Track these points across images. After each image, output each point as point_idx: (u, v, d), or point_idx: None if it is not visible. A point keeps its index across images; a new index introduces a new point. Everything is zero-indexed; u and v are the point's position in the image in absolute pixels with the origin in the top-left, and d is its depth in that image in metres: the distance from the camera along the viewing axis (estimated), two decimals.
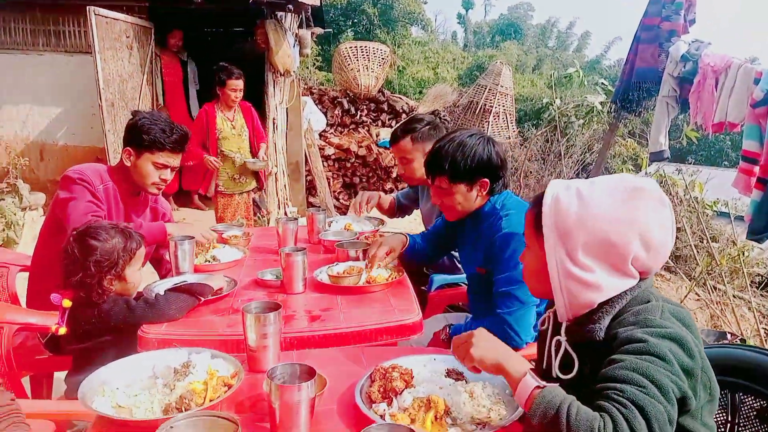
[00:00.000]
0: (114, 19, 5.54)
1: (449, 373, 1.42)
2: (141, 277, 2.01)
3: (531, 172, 8.54)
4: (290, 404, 1.17)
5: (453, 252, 2.74)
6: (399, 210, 3.18)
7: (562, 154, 8.28)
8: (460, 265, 2.75)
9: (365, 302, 2.03)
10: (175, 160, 2.48)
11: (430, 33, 26.49)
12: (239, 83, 4.61)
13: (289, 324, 1.84)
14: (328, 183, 7.51)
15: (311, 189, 7.44)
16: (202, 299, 1.94)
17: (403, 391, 1.31)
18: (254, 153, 4.87)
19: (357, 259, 2.39)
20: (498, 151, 2.07)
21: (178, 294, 1.90)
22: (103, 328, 1.83)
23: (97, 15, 5.24)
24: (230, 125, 4.76)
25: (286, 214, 6.30)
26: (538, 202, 1.30)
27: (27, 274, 2.55)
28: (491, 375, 1.38)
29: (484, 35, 29.50)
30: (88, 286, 1.83)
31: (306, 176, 7.32)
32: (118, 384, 1.43)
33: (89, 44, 5.45)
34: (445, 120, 2.97)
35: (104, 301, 1.84)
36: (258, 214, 6.12)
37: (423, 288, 2.80)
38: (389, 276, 2.22)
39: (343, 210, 7.33)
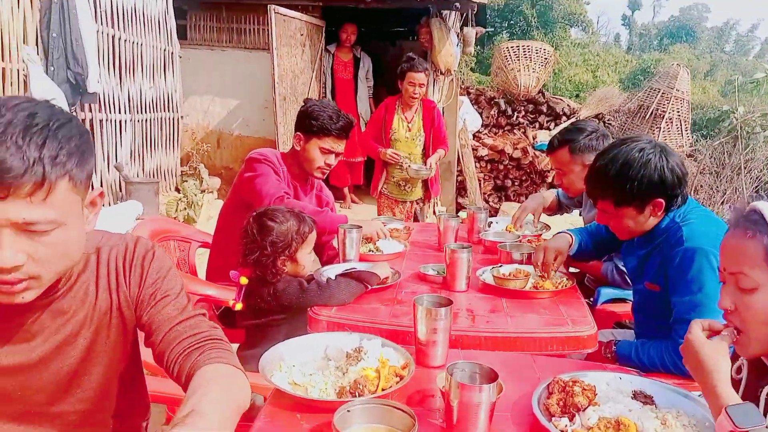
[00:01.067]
0: (291, 17, 5.88)
1: (636, 396, 1.30)
2: (311, 260, 2.09)
3: (702, 187, 7.79)
4: (470, 405, 1.13)
5: (622, 265, 2.54)
6: (560, 209, 3.04)
7: (742, 168, 7.45)
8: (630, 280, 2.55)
9: (532, 308, 1.94)
10: (339, 146, 2.61)
11: (590, 35, 25.29)
12: (420, 77, 4.03)
13: (453, 322, 1.79)
14: (479, 184, 7.41)
15: (461, 189, 7.39)
16: (370, 287, 1.97)
17: (586, 408, 1.21)
18: (427, 157, 4.27)
19: (521, 262, 2.30)
20: (675, 164, 1.76)
21: (348, 280, 1.95)
22: (277, 307, 1.92)
23: (277, 13, 5.59)
24: (406, 127, 4.24)
25: (434, 213, 6.31)
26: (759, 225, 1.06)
27: (204, 250, 2.77)
28: (684, 403, 1.24)
29: (651, 38, 27.60)
30: (264, 265, 1.93)
31: (456, 176, 7.29)
32: (294, 361, 1.47)
33: (266, 41, 5.84)
34: (610, 125, 2.78)
35: (278, 281, 1.93)
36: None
37: (587, 301, 2.64)
38: (559, 283, 2.11)
39: (492, 213, 7.20)
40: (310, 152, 2.58)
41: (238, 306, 1.93)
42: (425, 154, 4.27)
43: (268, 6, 5.56)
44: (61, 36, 3.56)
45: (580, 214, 2.93)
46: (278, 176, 2.52)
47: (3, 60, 3.35)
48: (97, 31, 4.11)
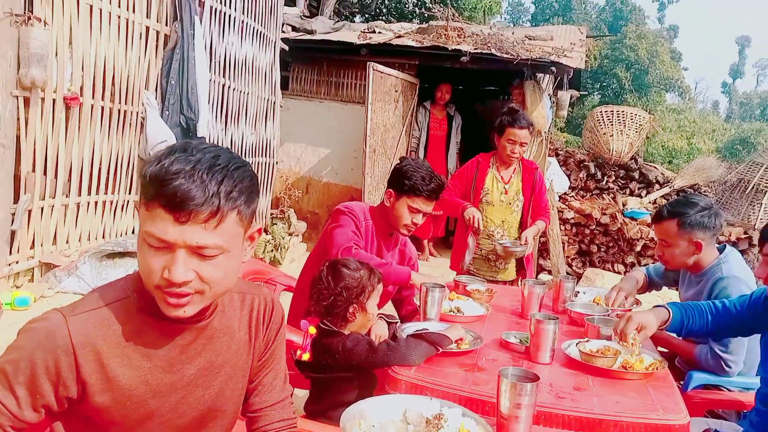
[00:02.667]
0: (387, 74, 6.10)
1: None
2: (377, 312, 2.10)
3: None
4: None
5: (719, 349, 2.38)
6: (649, 287, 2.90)
7: None
8: (727, 367, 2.38)
9: (620, 389, 1.86)
10: (428, 207, 2.64)
11: (687, 101, 24.54)
12: (523, 135, 3.44)
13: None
14: (563, 248, 7.23)
15: (543, 252, 7.23)
16: (440, 350, 1.96)
17: None
18: (524, 229, 3.59)
19: (609, 338, 2.22)
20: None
21: (418, 341, 1.94)
22: (345, 365, 1.93)
23: (375, 70, 5.82)
24: (501, 188, 3.60)
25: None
26: None
27: (287, 293, 2.86)
28: None
29: (753, 107, 26.41)
30: (335, 312, 1.96)
31: (540, 238, 7.15)
32: (374, 421, 1.49)
33: (362, 95, 6.07)
34: (706, 196, 2.66)
35: (347, 336, 1.95)
36: None
37: (677, 384, 2.50)
38: (650, 365, 2.01)
39: (575, 278, 6.98)
40: (399, 209, 2.62)
41: (305, 356, 1.93)
42: (522, 225, 3.63)
43: (368, 63, 5.80)
44: (178, 84, 3.87)
45: (679, 295, 2.79)
46: (357, 230, 2.57)
47: (127, 103, 3.67)
48: (210, 80, 4.43)
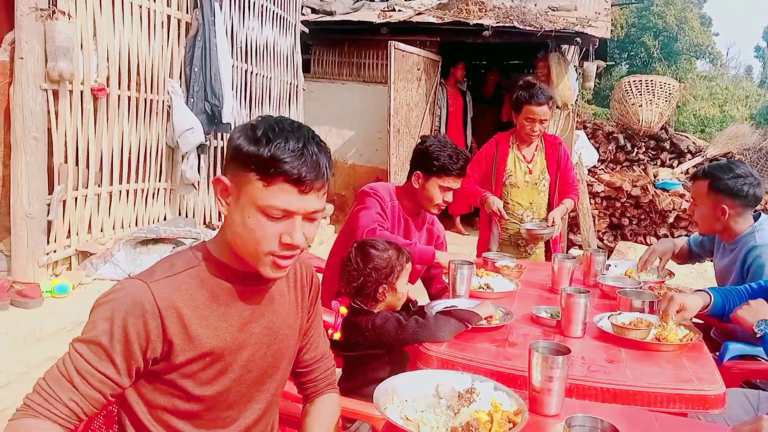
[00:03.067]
0: (409, 53, 6.05)
1: None
2: (408, 290, 2.11)
3: None
4: None
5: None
6: (690, 257, 2.86)
7: None
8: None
9: (653, 361, 1.84)
10: (458, 184, 2.62)
11: (719, 67, 23.84)
12: (541, 111, 3.19)
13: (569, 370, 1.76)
14: (594, 221, 7.14)
15: (573, 226, 7.15)
16: (470, 326, 1.96)
17: None
18: (551, 208, 3.37)
19: (642, 310, 2.19)
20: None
21: (447, 318, 1.94)
22: (375, 342, 1.94)
23: (396, 49, 5.78)
24: (525, 168, 3.38)
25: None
26: None
27: (317, 274, 2.88)
28: None
29: None
30: (365, 293, 1.98)
31: (569, 213, 7.06)
32: (407, 396, 1.50)
33: (384, 75, 6.04)
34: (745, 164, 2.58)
35: (377, 315, 1.96)
36: None
37: (713, 355, 2.46)
38: (684, 336, 1.99)
39: (606, 252, 6.89)
40: (430, 190, 2.59)
41: (336, 336, 1.95)
42: (550, 206, 3.40)
43: (389, 42, 5.75)
44: (202, 71, 3.90)
45: (713, 264, 2.75)
46: (383, 211, 2.56)
47: (152, 92, 3.71)
48: (233, 66, 4.45)
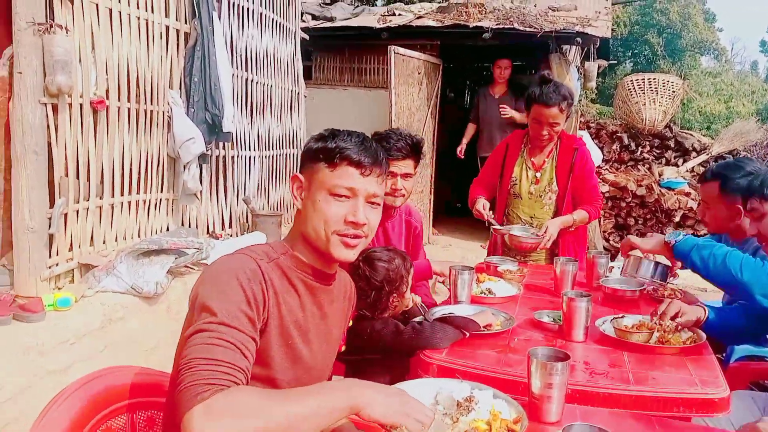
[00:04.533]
0: (409, 57, 6.05)
1: None
2: (410, 296, 2.10)
3: None
4: None
5: None
6: None
7: None
8: None
9: (656, 364, 1.82)
10: (398, 167, 2.33)
11: (723, 63, 23.73)
12: (552, 113, 2.87)
13: (570, 375, 1.74)
14: (599, 222, 7.10)
15: None
16: (468, 334, 1.94)
17: None
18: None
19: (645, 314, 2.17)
20: None
21: (444, 325, 1.93)
22: (372, 347, 1.94)
23: (396, 53, 5.77)
24: (532, 177, 3.07)
25: None
26: None
27: None
28: None
29: None
30: (379, 307, 1.97)
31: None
32: None
33: (385, 80, 6.03)
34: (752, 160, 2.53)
35: (377, 319, 1.96)
36: None
37: (718, 356, 2.43)
38: (687, 339, 1.96)
39: (612, 253, 6.85)
40: None
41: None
42: (559, 212, 3.06)
43: (389, 47, 5.75)
44: (201, 81, 3.90)
45: None
46: None
47: (152, 103, 3.72)
48: (233, 75, 4.46)
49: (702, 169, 6.98)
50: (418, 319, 2.06)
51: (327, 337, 1.45)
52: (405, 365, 2.00)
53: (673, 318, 2.00)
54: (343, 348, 1.95)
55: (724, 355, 2.41)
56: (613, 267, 2.85)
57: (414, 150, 2.38)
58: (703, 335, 2.01)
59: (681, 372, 1.76)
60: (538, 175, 3.06)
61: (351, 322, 1.95)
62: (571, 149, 3.04)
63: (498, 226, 3.05)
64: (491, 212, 3.06)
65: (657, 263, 2.09)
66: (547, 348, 1.53)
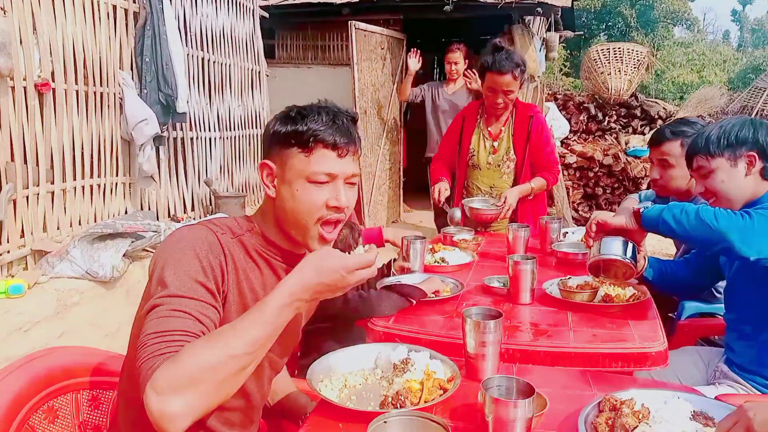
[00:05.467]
0: (371, 32, 5.99)
1: (695, 416, 1.20)
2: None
3: None
4: (505, 420, 1.09)
5: None
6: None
7: None
8: (718, 294, 2.36)
9: (600, 322, 1.84)
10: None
11: (696, 33, 23.94)
12: (505, 80, 2.85)
13: (513, 336, 1.75)
14: (567, 193, 7.16)
15: (547, 198, 7.16)
16: (414, 302, 1.95)
17: (635, 429, 1.13)
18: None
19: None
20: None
21: (390, 293, 1.94)
22: (322, 315, 1.95)
23: (357, 29, 5.71)
24: (489, 147, 3.06)
25: None
26: None
27: None
28: None
29: (765, 33, 25.69)
30: None
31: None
32: (344, 371, 1.49)
33: (348, 57, 5.97)
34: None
35: None
36: None
37: (671, 315, 2.48)
38: (630, 296, 1.99)
39: (581, 222, 6.92)
40: None
41: None
42: (517, 182, 3.06)
43: (349, 22, 5.69)
44: (153, 60, 3.82)
45: None
46: None
47: (102, 85, 3.64)
48: (188, 54, 4.37)
49: None
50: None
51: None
52: (355, 333, 2.01)
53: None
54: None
55: (675, 313, 2.45)
56: (567, 233, 2.87)
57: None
58: (647, 292, 2.03)
59: (622, 329, 1.78)
60: (495, 144, 3.06)
61: None
62: (527, 117, 3.04)
63: (469, 201, 3.04)
64: (445, 199, 3.06)
65: (626, 240, 2.03)
66: (481, 308, 1.53)
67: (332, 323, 1.98)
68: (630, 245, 1.95)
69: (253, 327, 1.06)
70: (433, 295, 2.02)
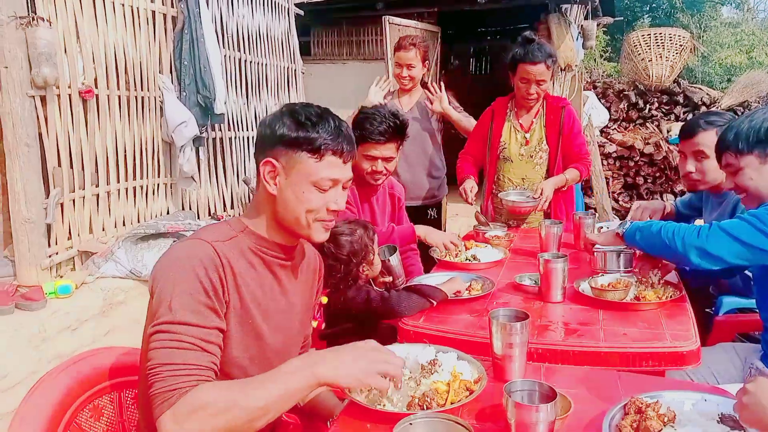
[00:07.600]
0: (405, 26, 5.98)
1: (723, 419, 1.19)
2: (379, 261, 2.17)
3: None
4: (527, 424, 1.10)
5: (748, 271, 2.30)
6: (679, 219, 2.78)
7: None
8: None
9: (631, 321, 1.82)
10: (381, 151, 2.41)
11: (745, 12, 22.95)
12: (538, 70, 2.87)
13: (543, 335, 1.75)
14: (607, 183, 7.02)
15: (586, 189, 7.04)
16: (434, 303, 1.96)
17: (660, 431, 1.13)
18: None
19: (618, 270, 2.16)
20: None
21: (409, 294, 1.96)
22: (346, 314, 1.99)
23: (391, 23, 5.72)
24: (521, 139, 3.07)
25: None
26: None
27: None
28: None
29: None
30: (347, 279, 2.01)
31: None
32: None
33: (383, 52, 5.98)
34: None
35: (351, 287, 2.00)
36: None
37: (708, 311, 2.42)
38: (663, 294, 1.96)
39: (622, 213, 6.77)
40: (358, 161, 2.43)
41: (314, 323, 1.99)
42: (551, 173, 3.08)
43: (383, 18, 5.70)
44: (191, 64, 3.91)
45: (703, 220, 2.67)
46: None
47: (143, 89, 3.75)
48: (225, 56, 4.46)
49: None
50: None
51: (289, 311, 1.46)
52: (380, 333, 2.04)
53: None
54: (323, 326, 2.00)
55: (713, 309, 2.40)
56: (601, 228, 2.84)
57: (397, 132, 2.44)
58: (682, 289, 2.00)
59: (654, 327, 1.76)
60: (527, 135, 3.08)
61: (326, 299, 2.00)
62: (558, 108, 3.05)
63: (505, 195, 3.05)
64: (475, 196, 3.07)
65: (620, 253, 2.14)
66: (509, 309, 1.54)
67: (355, 323, 2.00)
68: (623, 256, 2.15)
69: (268, 390, 1.14)
70: (455, 296, 2.04)
